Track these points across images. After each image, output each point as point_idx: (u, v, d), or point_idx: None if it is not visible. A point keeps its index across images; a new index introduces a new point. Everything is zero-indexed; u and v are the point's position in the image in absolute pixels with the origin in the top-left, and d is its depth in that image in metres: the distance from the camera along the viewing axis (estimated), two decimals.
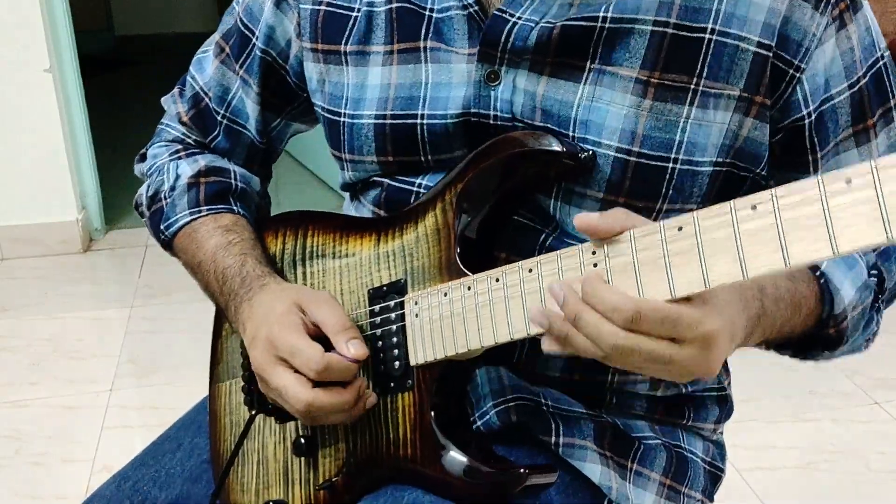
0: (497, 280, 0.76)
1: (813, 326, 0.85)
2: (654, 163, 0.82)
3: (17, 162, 3.02)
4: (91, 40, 5.30)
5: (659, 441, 0.92)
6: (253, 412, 0.92)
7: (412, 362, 0.83)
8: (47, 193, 3.07)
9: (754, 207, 0.62)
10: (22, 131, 3.00)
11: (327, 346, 0.83)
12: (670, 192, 0.83)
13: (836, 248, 0.58)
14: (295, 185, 3.73)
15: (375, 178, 0.94)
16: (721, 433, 1.02)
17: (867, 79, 0.84)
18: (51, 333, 2.63)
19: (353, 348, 0.82)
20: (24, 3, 2.89)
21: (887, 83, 0.85)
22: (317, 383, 0.82)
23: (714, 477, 0.99)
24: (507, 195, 0.82)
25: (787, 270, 0.61)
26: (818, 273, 0.84)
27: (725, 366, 0.99)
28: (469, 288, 0.78)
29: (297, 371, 0.82)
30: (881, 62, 0.84)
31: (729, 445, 1.03)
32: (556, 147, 0.79)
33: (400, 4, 0.90)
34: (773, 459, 2.07)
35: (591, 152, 0.81)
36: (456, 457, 0.81)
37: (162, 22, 6.45)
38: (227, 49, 1.03)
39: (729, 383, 1.00)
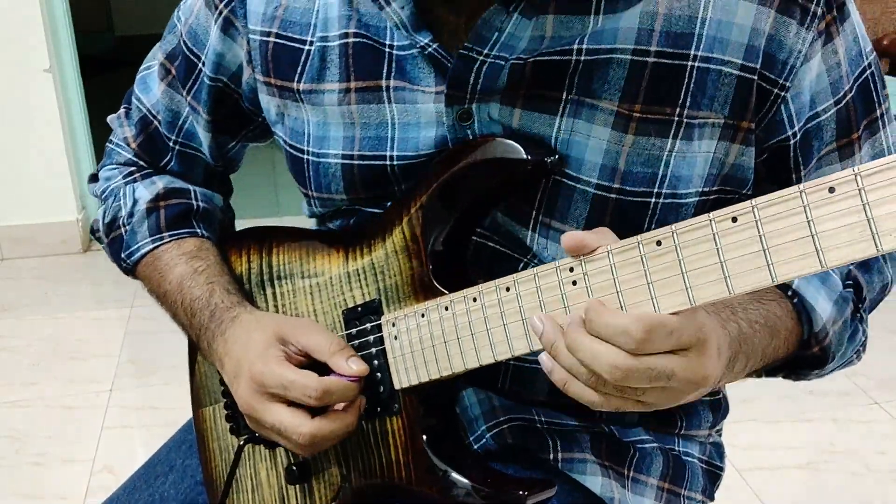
0: (475, 300, 0.74)
1: (796, 348, 0.83)
2: (635, 199, 0.79)
3: (17, 162, 3.03)
4: (91, 41, 5.29)
5: (654, 445, 0.91)
6: (241, 441, 0.89)
7: (397, 386, 0.81)
8: (47, 193, 3.07)
9: (734, 220, 0.59)
10: (22, 131, 3.00)
11: (316, 372, 0.80)
12: (652, 226, 0.79)
13: (825, 262, 0.56)
14: (295, 185, 3.71)
15: (345, 208, 0.90)
16: (719, 433, 1.00)
17: (853, 92, 0.80)
18: (51, 333, 2.64)
19: (354, 365, 0.79)
20: (24, 3, 2.89)
21: (873, 92, 0.82)
22: (315, 412, 0.80)
23: (713, 476, 0.97)
24: (475, 205, 0.80)
25: (774, 285, 0.59)
26: (790, 292, 0.82)
27: None
28: (447, 308, 0.76)
29: (291, 404, 0.80)
30: (868, 71, 0.81)
31: (729, 445, 1.02)
32: (521, 155, 0.77)
33: (357, 40, 0.84)
34: (773, 459, 2.06)
35: (556, 157, 0.78)
36: (453, 478, 0.79)
37: (162, 22, 6.36)
38: (174, 71, 0.97)
39: (723, 385, 0.98)
